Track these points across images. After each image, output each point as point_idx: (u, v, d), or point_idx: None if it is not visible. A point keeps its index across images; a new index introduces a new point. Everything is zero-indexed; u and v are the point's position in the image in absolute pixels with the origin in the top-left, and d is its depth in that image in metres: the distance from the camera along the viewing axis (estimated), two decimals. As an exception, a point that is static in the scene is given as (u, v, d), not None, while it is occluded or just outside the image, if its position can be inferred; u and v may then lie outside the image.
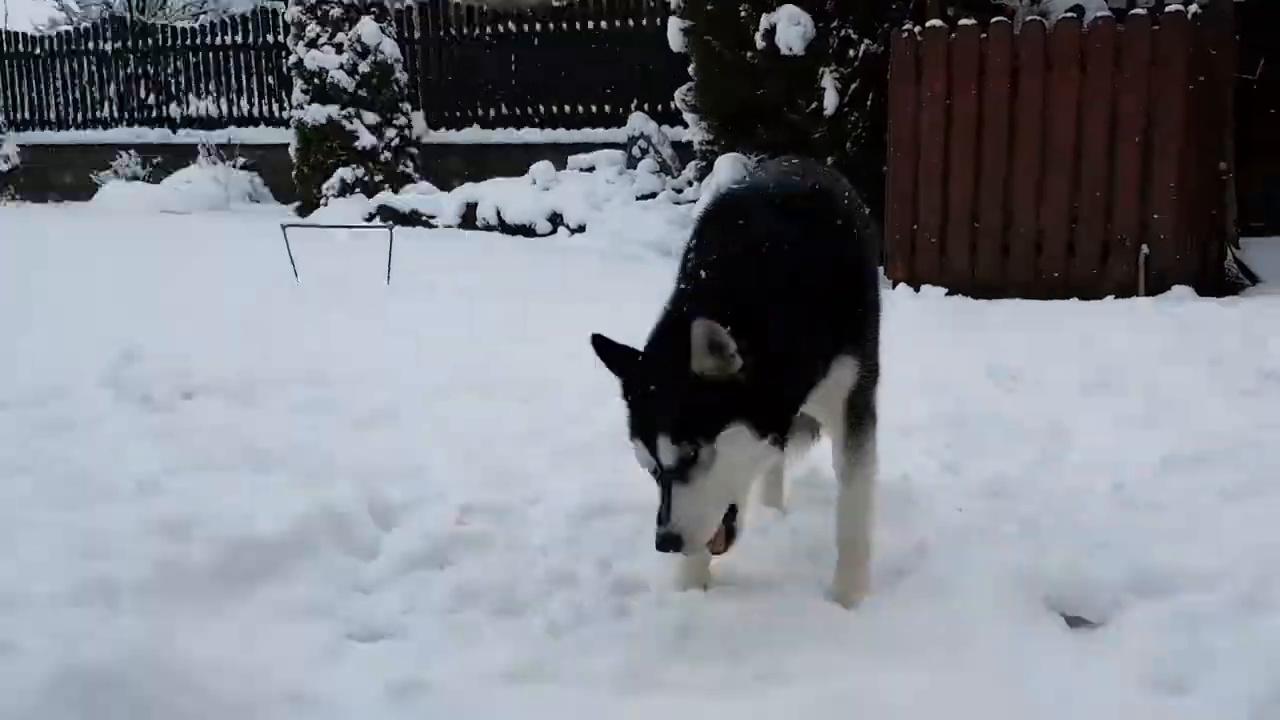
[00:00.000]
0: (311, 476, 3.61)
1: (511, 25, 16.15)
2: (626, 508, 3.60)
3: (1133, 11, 8.22)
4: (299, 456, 3.81)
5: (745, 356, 2.41)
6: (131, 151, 18.48)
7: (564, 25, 15.80)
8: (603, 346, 2.57)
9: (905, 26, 8.50)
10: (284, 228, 7.83)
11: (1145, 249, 7.89)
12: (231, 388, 4.80)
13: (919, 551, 3.21)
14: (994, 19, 8.30)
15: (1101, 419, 4.69)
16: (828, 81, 9.36)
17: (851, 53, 9.35)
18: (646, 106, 14.39)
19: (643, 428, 2.48)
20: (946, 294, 7.98)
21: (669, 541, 2.48)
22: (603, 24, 15.53)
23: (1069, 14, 8.27)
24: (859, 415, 2.90)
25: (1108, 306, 7.33)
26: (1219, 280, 8.65)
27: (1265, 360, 5.40)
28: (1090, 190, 8.02)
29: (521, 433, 4.30)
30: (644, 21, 15.00)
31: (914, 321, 6.87)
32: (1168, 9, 7.84)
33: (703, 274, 2.63)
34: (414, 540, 3.26)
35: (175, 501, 3.28)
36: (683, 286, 2.66)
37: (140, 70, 19.30)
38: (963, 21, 8.32)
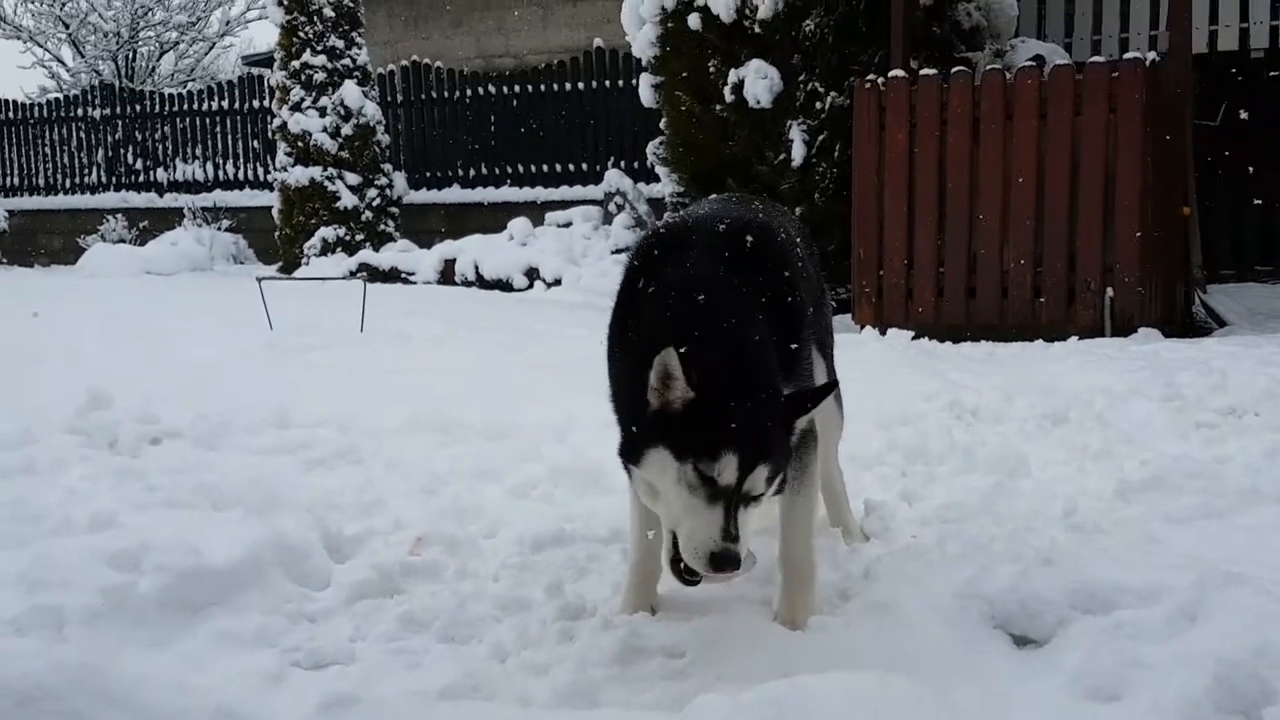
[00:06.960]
0: (265, 511, 3.62)
1: (491, 88, 16.34)
2: (580, 537, 3.63)
3: (1091, 60, 8.38)
4: (255, 493, 3.82)
5: None
6: (118, 216, 18.58)
7: (541, 87, 15.99)
8: (683, 359, 2.54)
9: (869, 78, 8.64)
10: (259, 280, 7.90)
11: (1110, 292, 7.97)
12: (198, 432, 4.81)
13: (867, 576, 3.24)
14: (954, 69, 8.44)
15: (1058, 451, 4.74)
16: (795, 133, 9.50)
17: (818, 105, 9.49)
18: (623, 164, 14.55)
19: (748, 451, 2.53)
20: (913, 337, 8.03)
21: (730, 560, 2.52)
22: (579, 85, 15.72)
23: (1029, 64, 8.41)
24: (801, 437, 2.92)
25: (1072, 347, 7.38)
26: (1186, 323, 8.74)
27: (1223, 396, 5.46)
28: (1053, 235, 8.12)
29: (478, 470, 4.32)
30: (620, 81, 15.19)
31: (878, 363, 6.91)
32: (1126, 56, 7.99)
33: (729, 320, 2.68)
34: (365, 571, 3.28)
35: (128, 535, 3.28)
36: (726, 322, 2.67)
37: (128, 136, 19.44)
38: (924, 72, 8.46)
